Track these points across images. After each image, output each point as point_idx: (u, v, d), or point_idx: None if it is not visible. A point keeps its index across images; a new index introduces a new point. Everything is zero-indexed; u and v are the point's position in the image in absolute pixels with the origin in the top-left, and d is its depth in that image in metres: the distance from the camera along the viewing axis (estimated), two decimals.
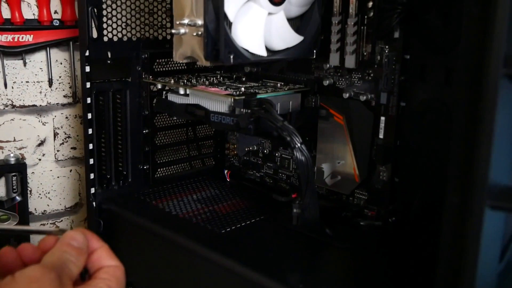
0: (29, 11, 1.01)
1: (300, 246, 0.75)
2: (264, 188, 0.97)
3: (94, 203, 0.88)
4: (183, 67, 0.96)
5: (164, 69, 0.93)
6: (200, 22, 0.67)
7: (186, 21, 0.68)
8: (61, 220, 1.14)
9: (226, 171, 1.02)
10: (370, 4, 0.73)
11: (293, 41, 0.75)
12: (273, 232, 0.79)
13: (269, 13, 0.71)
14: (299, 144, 0.68)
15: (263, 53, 0.71)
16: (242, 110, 0.76)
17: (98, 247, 0.45)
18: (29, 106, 1.05)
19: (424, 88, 0.73)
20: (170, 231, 0.79)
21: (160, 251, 0.80)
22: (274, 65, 0.91)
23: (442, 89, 0.71)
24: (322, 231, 0.75)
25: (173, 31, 0.71)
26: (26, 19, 0.99)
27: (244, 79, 0.93)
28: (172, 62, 0.94)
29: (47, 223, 1.12)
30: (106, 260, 0.44)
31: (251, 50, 0.70)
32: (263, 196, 0.93)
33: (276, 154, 0.95)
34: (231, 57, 0.67)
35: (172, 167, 1.00)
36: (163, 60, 0.92)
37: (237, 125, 0.75)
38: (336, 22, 0.75)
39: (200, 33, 0.67)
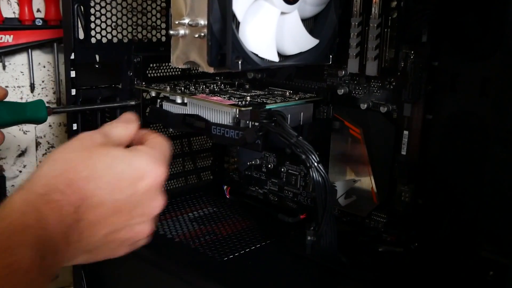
0: (9, 9, 0.95)
1: (313, 277, 0.68)
2: (268, 206, 0.89)
3: None
4: (178, 73, 0.87)
5: (158, 74, 0.85)
6: (203, 22, 0.58)
7: (186, 20, 0.60)
8: None
9: (225, 187, 0.94)
10: (395, 3, 0.65)
11: (307, 44, 0.66)
12: (282, 260, 0.72)
13: (282, 13, 0.62)
14: (316, 164, 0.59)
15: (275, 58, 0.63)
16: (248, 122, 0.68)
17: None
18: None
19: (455, 99, 0.65)
20: (166, 258, 0.71)
21: (154, 281, 0.72)
22: (281, 71, 0.83)
23: (476, 101, 0.63)
24: (338, 259, 0.67)
25: (171, 32, 0.62)
26: (6, 18, 0.94)
27: (247, 86, 0.84)
28: (167, 67, 0.86)
29: None
30: (151, 135, 0.51)
31: (261, 55, 0.61)
32: (267, 216, 0.86)
33: (282, 169, 0.86)
34: (240, 63, 0.58)
35: (165, 182, 0.90)
36: (157, 64, 0.84)
37: (243, 139, 0.67)
38: (356, 23, 0.67)
39: (203, 34, 0.58)
